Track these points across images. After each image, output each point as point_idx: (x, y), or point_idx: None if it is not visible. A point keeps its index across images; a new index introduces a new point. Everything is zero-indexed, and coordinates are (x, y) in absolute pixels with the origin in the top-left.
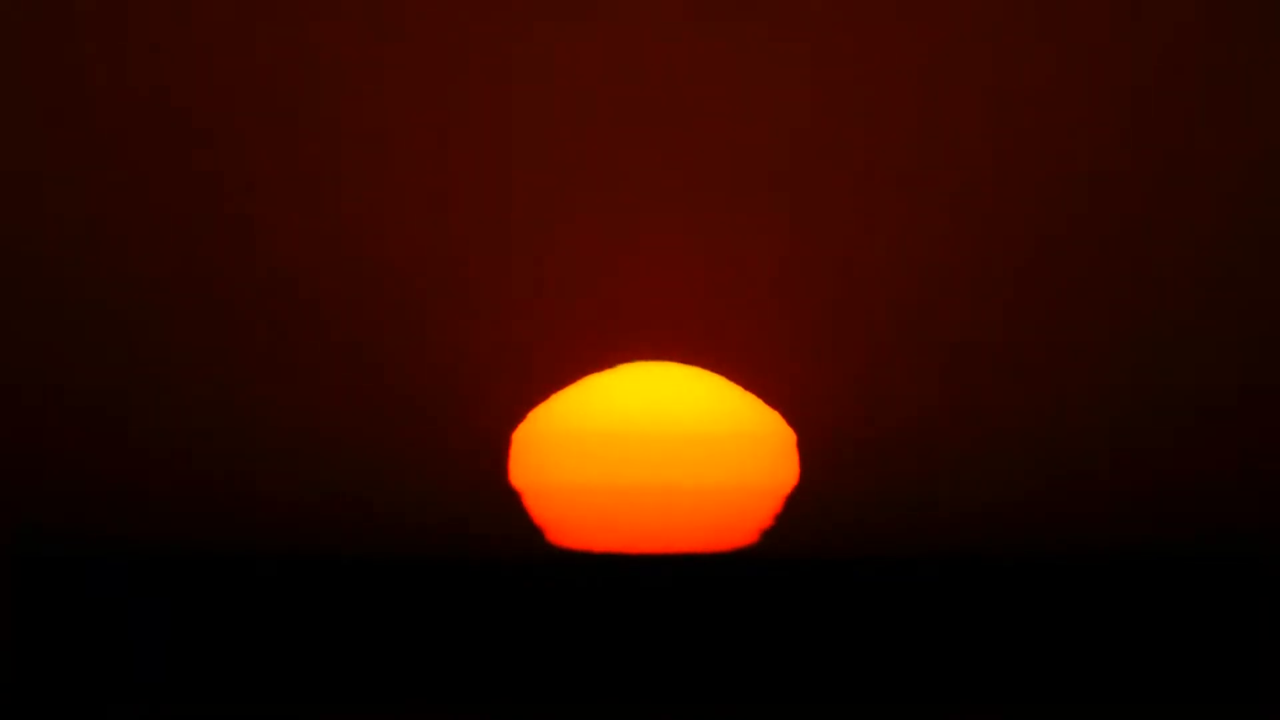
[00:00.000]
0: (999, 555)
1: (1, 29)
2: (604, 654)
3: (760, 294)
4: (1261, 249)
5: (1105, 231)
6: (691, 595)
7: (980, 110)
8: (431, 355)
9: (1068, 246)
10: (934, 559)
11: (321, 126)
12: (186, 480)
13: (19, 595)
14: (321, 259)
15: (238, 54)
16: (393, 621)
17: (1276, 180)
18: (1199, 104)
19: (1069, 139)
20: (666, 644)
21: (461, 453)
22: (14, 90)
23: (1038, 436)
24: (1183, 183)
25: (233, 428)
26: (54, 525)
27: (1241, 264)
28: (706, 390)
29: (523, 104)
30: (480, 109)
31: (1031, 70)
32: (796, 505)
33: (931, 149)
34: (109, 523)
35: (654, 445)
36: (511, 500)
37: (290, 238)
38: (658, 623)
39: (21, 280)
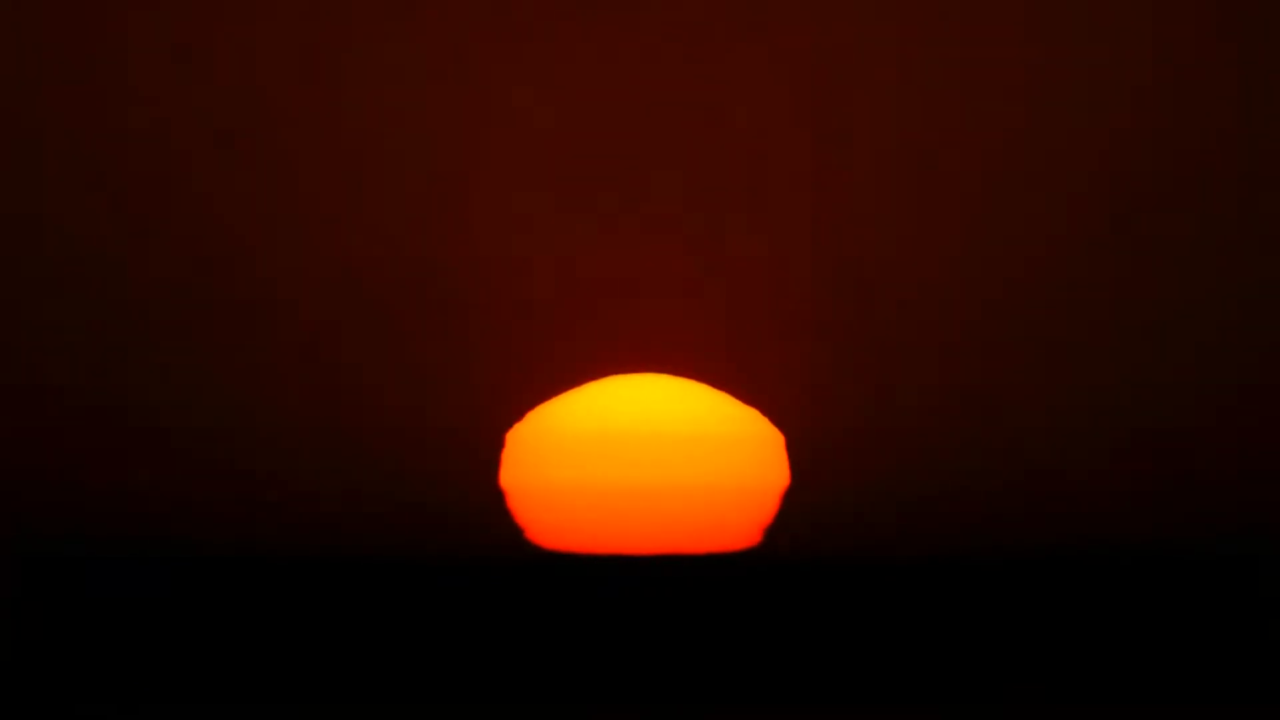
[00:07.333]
0: (996, 555)
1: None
2: (601, 655)
3: (747, 300)
4: (1263, 247)
5: (1101, 229)
6: (685, 596)
7: (972, 110)
8: (427, 359)
9: (1062, 245)
10: (928, 560)
11: (323, 129)
12: (186, 480)
13: (20, 595)
14: (321, 261)
15: (236, 53)
16: (396, 622)
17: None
18: (1198, 102)
19: (1063, 139)
20: (662, 645)
21: (455, 455)
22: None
23: (1035, 436)
24: (1178, 181)
25: (231, 427)
26: (54, 525)
27: (1243, 262)
28: (695, 396)
29: (527, 113)
30: (484, 117)
31: (1025, 71)
32: (787, 507)
33: (920, 150)
34: (109, 523)
35: (645, 448)
36: (502, 501)
37: (290, 239)
38: (651, 624)
39: (21, 280)
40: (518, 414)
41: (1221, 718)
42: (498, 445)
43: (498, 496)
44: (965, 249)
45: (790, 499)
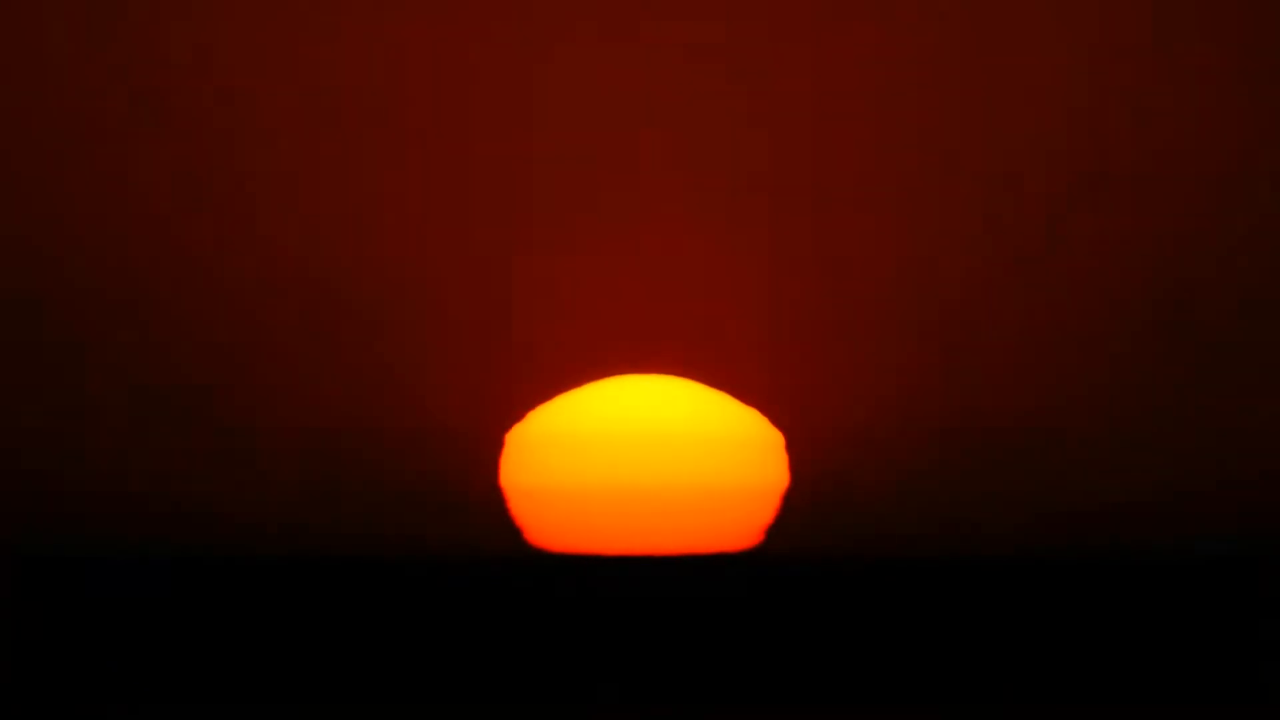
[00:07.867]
0: (997, 555)
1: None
2: (601, 655)
3: (747, 301)
4: (1263, 249)
5: (1097, 229)
6: (685, 596)
7: (969, 111)
8: (427, 360)
9: (1056, 245)
10: (928, 560)
11: (329, 130)
12: (185, 481)
13: (20, 595)
14: (323, 262)
15: (242, 53)
16: (396, 622)
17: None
18: (1196, 103)
19: (1060, 140)
20: (662, 645)
21: (455, 455)
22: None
23: (1034, 436)
24: (1170, 181)
25: (231, 428)
26: (54, 525)
27: (1242, 263)
28: (695, 396)
29: (529, 114)
30: (485, 117)
31: (1024, 72)
32: (787, 507)
33: (915, 150)
34: (109, 523)
35: (645, 448)
36: (502, 501)
37: (293, 239)
38: (651, 623)
39: (20, 281)
40: (518, 414)
41: (1221, 718)
42: (498, 445)
43: (498, 496)
44: (964, 251)
45: (790, 499)
